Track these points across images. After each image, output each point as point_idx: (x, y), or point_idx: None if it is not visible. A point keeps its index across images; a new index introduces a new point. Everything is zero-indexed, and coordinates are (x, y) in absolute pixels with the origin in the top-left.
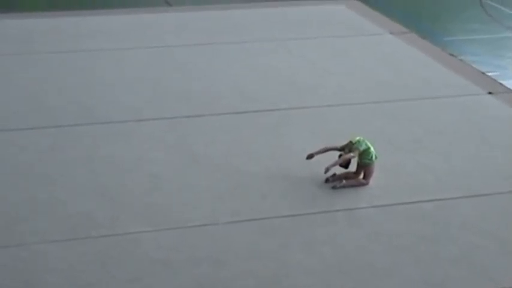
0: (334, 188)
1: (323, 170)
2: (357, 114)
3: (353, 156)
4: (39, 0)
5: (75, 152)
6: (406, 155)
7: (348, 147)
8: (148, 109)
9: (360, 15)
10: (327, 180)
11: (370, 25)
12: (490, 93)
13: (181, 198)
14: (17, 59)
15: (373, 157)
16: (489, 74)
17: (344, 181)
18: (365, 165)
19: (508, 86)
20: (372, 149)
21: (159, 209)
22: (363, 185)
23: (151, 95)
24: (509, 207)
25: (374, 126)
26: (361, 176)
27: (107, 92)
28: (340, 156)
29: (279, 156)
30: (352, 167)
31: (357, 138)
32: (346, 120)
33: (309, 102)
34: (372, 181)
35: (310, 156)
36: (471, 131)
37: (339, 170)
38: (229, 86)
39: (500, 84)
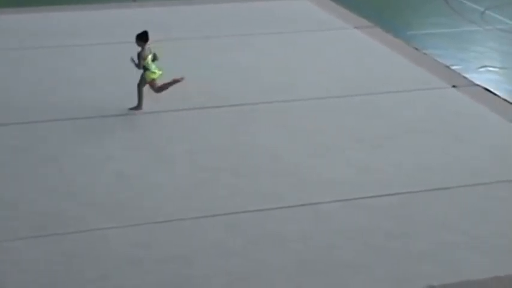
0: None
1: (290, 165)
2: (321, 108)
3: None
4: None
5: (41, 150)
6: (372, 149)
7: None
8: (112, 106)
9: (324, 10)
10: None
11: (335, 20)
12: (454, 86)
13: (148, 196)
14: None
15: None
16: (453, 67)
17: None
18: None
19: (472, 80)
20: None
21: (126, 206)
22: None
23: (115, 91)
24: (475, 200)
25: (339, 121)
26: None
27: (71, 88)
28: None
29: (244, 151)
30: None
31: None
32: (310, 115)
33: (273, 98)
34: (338, 175)
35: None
36: (436, 124)
37: None
38: (191, 82)
39: (464, 77)
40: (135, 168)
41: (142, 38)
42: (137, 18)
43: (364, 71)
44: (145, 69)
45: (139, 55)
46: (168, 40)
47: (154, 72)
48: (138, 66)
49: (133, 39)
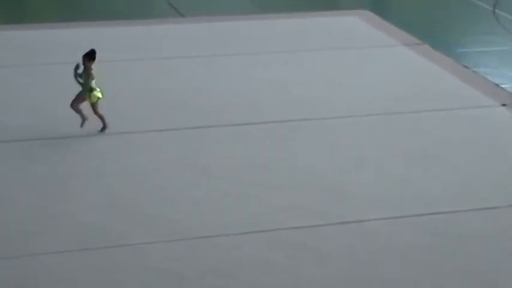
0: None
1: (332, 182)
2: (368, 126)
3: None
4: (46, 12)
5: (83, 164)
6: (417, 167)
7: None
8: (155, 120)
9: (373, 26)
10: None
11: (383, 36)
12: (503, 105)
13: (190, 210)
14: (21, 70)
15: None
16: (503, 86)
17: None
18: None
19: None
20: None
21: (167, 221)
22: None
23: (158, 106)
24: None
25: (385, 139)
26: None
27: (114, 103)
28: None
29: (286, 168)
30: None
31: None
32: (356, 133)
33: (318, 115)
34: (381, 192)
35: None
36: (484, 143)
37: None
38: (237, 98)
39: None
40: (179, 182)
41: (92, 56)
42: (182, 34)
43: (411, 88)
44: (91, 89)
45: (88, 74)
46: (214, 56)
47: (100, 93)
48: (83, 84)
49: (178, 54)
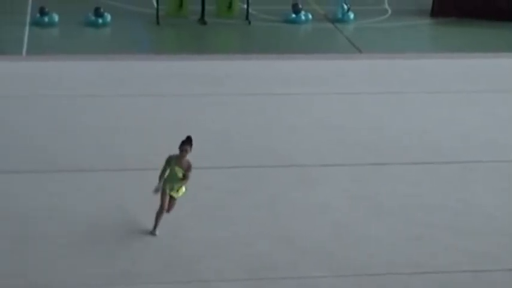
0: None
1: (506, 226)
2: None
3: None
4: (231, 45)
5: (258, 193)
6: None
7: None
8: (333, 155)
9: None
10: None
11: None
12: None
13: (362, 247)
14: (207, 100)
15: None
16: None
17: None
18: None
19: None
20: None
21: (339, 256)
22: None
23: (336, 140)
24: None
25: None
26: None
27: (290, 135)
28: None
29: (461, 210)
30: None
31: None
32: None
33: (494, 157)
34: None
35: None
36: None
37: None
38: (414, 136)
39: None
40: (351, 218)
41: (191, 143)
42: (363, 70)
43: None
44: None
45: (189, 167)
46: (394, 93)
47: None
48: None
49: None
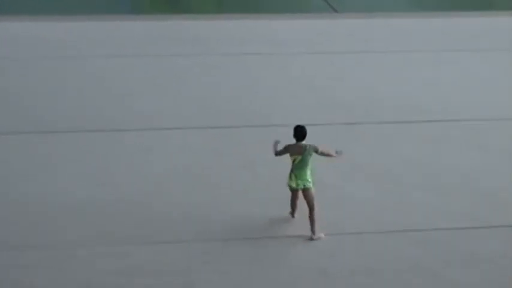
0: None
1: (484, 186)
2: None
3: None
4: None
5: (238, 154)
6: None
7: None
8: (311, 114)
9: None
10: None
11: None
12: None
13: (338, 206)
14: (184, 61)
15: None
16: None
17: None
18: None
19: None
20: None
21: (322, 216)
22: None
23: (315, 100)
24: None
25: None
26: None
27: (269, 95)
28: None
29: (439, 169)
30: None
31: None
32: (504, 135)
33: (472, 116)
34: None
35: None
36: None
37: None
38: (392, 96)
39: None
40: (328, 177)
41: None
42: (339, 31)
43: None
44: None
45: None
46: (367, 52)
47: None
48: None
49: (335, 49)
